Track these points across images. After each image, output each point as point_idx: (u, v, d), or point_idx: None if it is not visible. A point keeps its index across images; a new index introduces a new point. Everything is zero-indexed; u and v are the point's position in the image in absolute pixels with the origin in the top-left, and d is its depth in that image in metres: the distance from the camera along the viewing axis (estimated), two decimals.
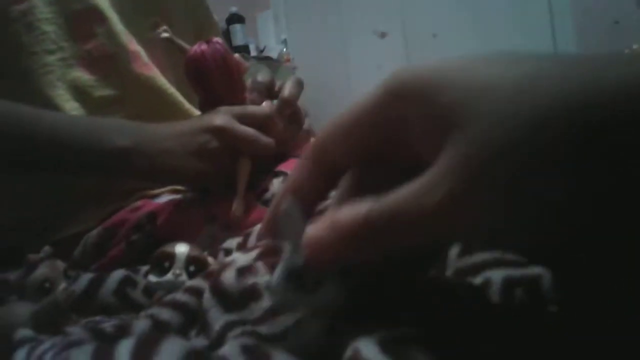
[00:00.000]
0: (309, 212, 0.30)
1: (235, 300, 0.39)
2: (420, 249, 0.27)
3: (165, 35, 0.68)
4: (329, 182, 0.31)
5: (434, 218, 0.23)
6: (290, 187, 0.31)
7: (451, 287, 0.34)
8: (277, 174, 0.65)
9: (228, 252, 0.57)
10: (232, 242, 0.58)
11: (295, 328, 0.33)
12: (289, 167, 0.65)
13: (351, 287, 0.30)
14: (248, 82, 0.71)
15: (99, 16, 0.76)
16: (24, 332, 0.34)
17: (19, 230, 0.76)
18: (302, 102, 0.73)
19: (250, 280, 0.40)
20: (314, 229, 0.27)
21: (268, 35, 2.95)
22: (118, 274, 0.53)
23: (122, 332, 0.38)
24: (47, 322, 0.36)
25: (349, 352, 0.27)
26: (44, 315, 0.36)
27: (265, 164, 0.66)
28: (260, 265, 0.41)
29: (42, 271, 0.43)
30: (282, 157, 0.68)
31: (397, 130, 0.26)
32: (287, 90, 0.68)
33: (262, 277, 0.40)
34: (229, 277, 0.40)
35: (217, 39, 0.66)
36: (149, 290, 0.51)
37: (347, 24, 2.59)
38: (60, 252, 0.68)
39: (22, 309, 0.36)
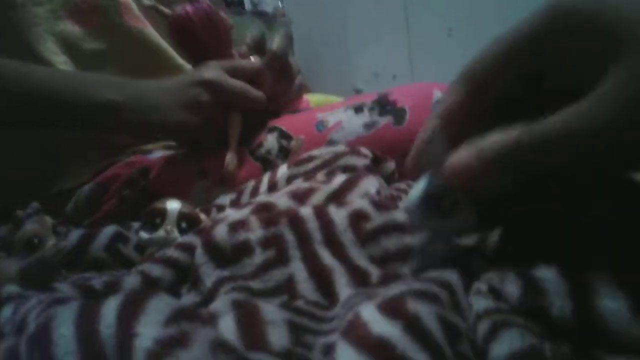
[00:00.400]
0: (454, 137, 0.29)
1: (228, 255, 0.38)
2: (565, 177, 0.27)
3: (147, 3, 0.67)
4: (479, 104, 0.30)
5: (599, 139, 0.23)
6: (439, 113, 0.31)
7: None
8: (272, 130, 0.63)
9: (221, 208, 0.56)
10: (226, 199, 0.58)
11: (422, 248, 0.35)
12: (283, 122, 0.64)
13: (482, 213, 0.30)
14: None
15: None
16: (11, 288, 0.34)
17: (10, 187, 0.75)
18: (295, 58, 0.71)
19: (242, 235, 0.39)
20: (459, 156, 0.28)
21: None
22: (109, 230, 0.52)
23: (112, 288, 0.37)
24: (35, 278, 0.36)
25: (349, 316, 0.27)
26: (32, 271, 0.35)
27: (258, 119, 0.64)
28: (253, 219, 0.40)
29: (30, 227, 0.42)
30: (276, 113, 0.67)
31: (558, 55, 0.26)
32: (275, 44, 0.67)
33: (255, 232, 0.39)
34: (221, 232, 0.39)
35: None
36: (141, 247, 0.51)
37: None
38: (54, 208, 0.67)
39: (10, 265, 0.35)
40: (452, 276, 0.31)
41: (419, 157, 0.32)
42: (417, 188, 0.31)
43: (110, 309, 0.23)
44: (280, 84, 0.67)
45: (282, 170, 0.56)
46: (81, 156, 0.71)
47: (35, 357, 0.24)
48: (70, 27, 0.72)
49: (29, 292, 0.34)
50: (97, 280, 0.38)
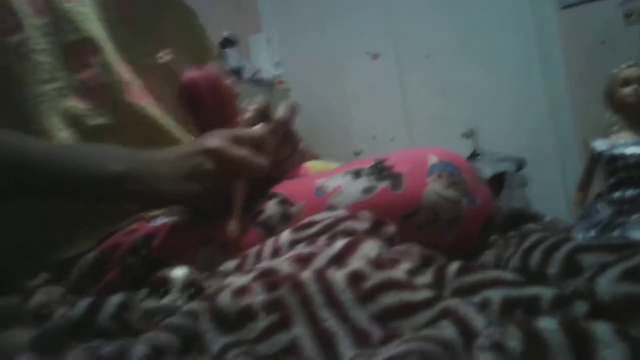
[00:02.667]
0: None
1: (232, 321, 0.40)
2: None
3: (164, 60, 0.69)
4: None
5: None
6: None
7: None
8: (272, 196, 0.65)
9: (226, 274, 0.57)
10: (230, 265, 0.59)
11: None
12: (283, 188, 0.65)
13: None
14: (243, 105, 0.72)
15: (93, 47, 0.77)
16: (24, 358, 0.35)
17: (13, 254, 0.76)
18: (296, 125, 0.74)
19: (245, 300, 0.40)
20: None
21: (261, 58, 2.97)
22: (116, 299, 0.53)
23: (121, 357, 0.38)
24: (46, 348, 0.36)
25: None
26: (43, 341, 0.36)
27: (260, 186, 0.66)
28: (255, 285, 0.41)
29: (39, 297, 0.43)
30: (278, 179, 0.69)
31: None
32: (280, 112, 0.69)
33: (257, 297, 0.40)
34: (224, 298, 0.40)
35: (210, 65, 0.67)
36: (147, 315, 0.52)
37: (339, 45, 2.62)
38: (57, 276, 0.68)
39: (22, 335, 0.36)
40: (449, 332, 0.32)
41: None
42: None
43: None
44: (283, 151, 0.69)
45: (285, 235, 0.57)
46: (84, 223, 0.72)
47: None
48: (76, 104, 0.74)
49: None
50: (106, 349, 0.39)
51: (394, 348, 0.32)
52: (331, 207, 0.61)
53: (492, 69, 2.30)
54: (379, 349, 0.34)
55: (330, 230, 0.54)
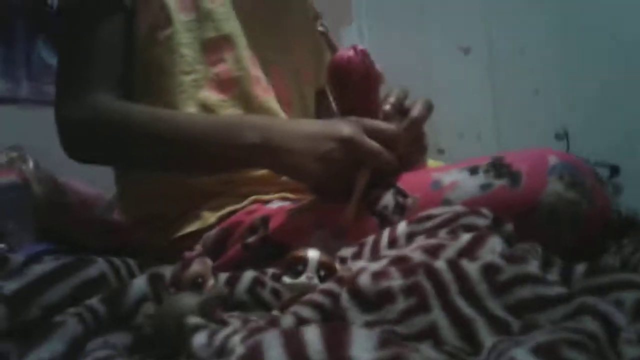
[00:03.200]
0: None
1: (372, 301, 0.43)
2: None
3: (321, 29, 0.72)
4: None
5: None
6: None
7: None
8: (389, 187, 0.67)
9: (343, 260, 0.61)
10: (347, 251, 0.62)
11: None
12: (401, 180, 0.68)
13: None
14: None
15: (229, 44, 0.84)
16: (195, 319, 0.39)
17: (144, 225, 0.84)
18: None
19: (384, 283, 0.43)
20: None
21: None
22: (249, 275, 0.58)
23: (273, 325, 0.42)
24: (209, 312, 0.41)
25: None
26: (209, 306, 0.41)
27: (381, 177, 0.69)
28: (393, 270, 0.44)
29: (195, 268, 0.48)
30: (400, 173, 0.71)
31: None
32: (417, 110, 0.71)
33: (396, 281, 0.43)
34: (365, 280, 0.44)
35: (362, 48, 0.69)
36: (276, 291, 0.56)
37: (430, 39, 2.59)
38: (180, 249, 0.74)
39: (190, 299, 0.41)
40: (592, 325, 0.34)
41: None
42: None
43: (314, 336, 0.28)
44: (412, 149, 0.72)
45: (402, 227, 0.60)
46: (208, 202, 0.79)
47: None
48: (210, 95, 0.82)
49: (210, 323, 0.39)
50: (258, 318, 0.43)
51: (538, 336, 0.34)
52: (447, 202, 0.63)
53: (590, 67, 2.20)
54: (521, 337, 0.36)
55: (450, 224, 0.56)
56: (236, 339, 0.33)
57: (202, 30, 0.83)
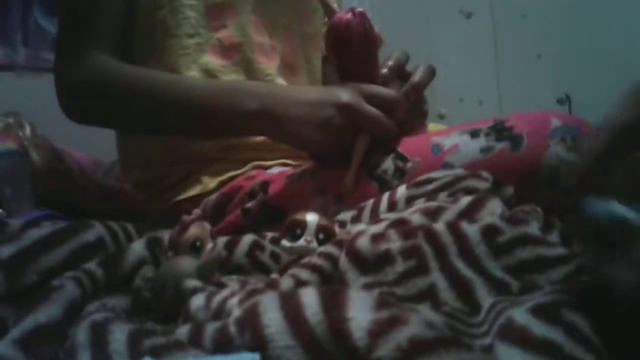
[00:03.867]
0: None
1: (370, 263, 0.42)
2: None
3: None
4: None
5: None
6: None
7: None
8: (389, 151, 0.67)
9: (342, 223, 0.60)
10: (347, 215, 0.62)
11: None
12: (401, 144, 0.67)
13: None
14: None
15: (232, 10, 0.83)
16: (193, 282, 0.39)
17: (145, 189, 0.84)
18: None
19: (383, 246, 0.43)
20: None
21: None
22: (248, 238, 0.57)
23: (271, 288, 0.42)
24: (207, 276, 0.41)
25: (501, 320, 0.30)
26: (207, 269, 0.41)
27: (380, 142, 0.68)
28: (392, 232, 0.44)
29: (193, 231, 0.48)
30: (399, 138, 0.70)
31: None
32: (418, 76, 0.70)
33: (395, 243, 0.43)
34: (363, 242, 0.43)
35: (361, 10, 0.68)
36: (275, 255, 0.56)
37: (432, 2, 2.55)
38: (180, 213, 0.74)
39: (188, 263, 0.41)
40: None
41: None
42: None
43: (311, 298, 0.28)
44: (412, 114, 0.71)
45: (401, 190, 0.59)
46: (208, 167, 0.79)
47: (247, 335, 0.28)
48: (213, 60, 0.81)
49: (208, 286, 0.39)
50: (256, 281, 0.43)
51: (537, 297, 0.33)
52: (447, 165, 0.62)
53: (593, 31, 2.17)
54: (520, 297, 0.36)
55: (450, 187, 0.56)
56: (234, 301, 0.33)
57: None
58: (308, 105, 0.67)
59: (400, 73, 0.71)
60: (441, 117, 2.52)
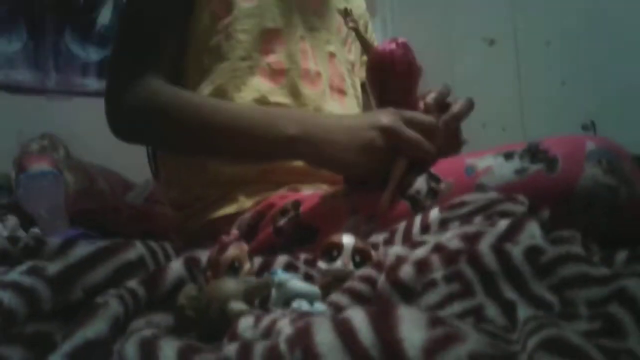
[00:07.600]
0: None
1: (413, 292, 0.42)
2: None
3: (352, 25, 0.73)
4: None
5: None
6: None
7: None
8: (423, 172, 0.67)
9: (375, 246, 0.60)
10: (379, 237, 0.62)
11: None
12: (436, 167, 0.67)
13: None
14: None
15: (282, 38, 0.86)
16: (239, 304, 0.39)
17: (183, 208, 0.86)
18: None
19: (428, 276, 0.42)
20: None
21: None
22: (282, 259, 0.58)
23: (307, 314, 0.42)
24: (253, 299, 0.41)
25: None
26: (255, 293, 0.41)
27: (419, 168, 0.68)
28: (435, 259, 0.44)
29: (232, 252, 0.48)
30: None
31: None
32: (459, 107, 0.72)
33: (438, 272, 0.43)
34: (407, 272, 0.43)
35: (404, 40, 0.69)
36: (309, 276, 0.56)
37: (454, 30, 2.57)
38: (216, 230, 0.75)
39: (234, 285, 0.41)
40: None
41: None
42: None
43: (361, 321, 0.28)
44: (449, 143, 0.72)
45: (434, 213, 0.59)
46: (244, 187, 0.80)
47: (298, 353, 0.29)
48: (261, 82, 0.84)
49: (253, 309, 0.39)
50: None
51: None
52: (480, 187, 0.62)
53: (617, 57, 2.16)
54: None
55: (485, 211, 0.56)
56: (284, 321, 0.33)
57: (262, 18, 0.85)
58: (348, 129, 0.69)
59: (442, 104, 0.72)
60: (464, 143, 2.53)
